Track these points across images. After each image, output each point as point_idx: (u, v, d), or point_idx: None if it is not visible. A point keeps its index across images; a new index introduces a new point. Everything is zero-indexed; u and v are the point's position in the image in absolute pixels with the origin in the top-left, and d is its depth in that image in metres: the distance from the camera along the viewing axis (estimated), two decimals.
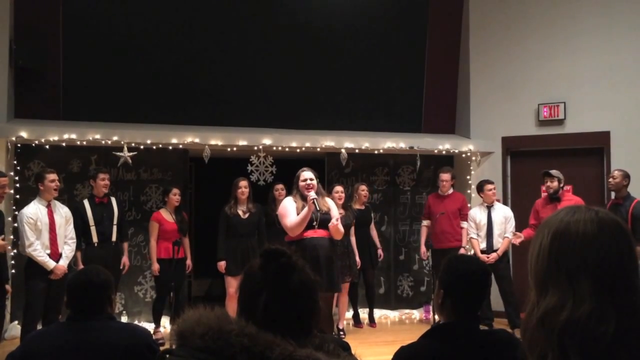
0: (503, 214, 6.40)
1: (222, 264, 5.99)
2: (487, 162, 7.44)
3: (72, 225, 5.45)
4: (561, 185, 5.98)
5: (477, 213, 6.53)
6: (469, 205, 7.10)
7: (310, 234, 4.58)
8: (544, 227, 1.10)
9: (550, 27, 7.11)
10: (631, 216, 5.48)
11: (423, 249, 6.75)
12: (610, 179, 5.81)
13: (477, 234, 6.49)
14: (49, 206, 5.26)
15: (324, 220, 4.63)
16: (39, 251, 5.07)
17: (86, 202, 5.75)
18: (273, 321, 1.20)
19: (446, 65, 7.83)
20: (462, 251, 6.45)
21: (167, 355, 1.22)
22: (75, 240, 5.45)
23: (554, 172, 5.99)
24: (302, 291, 1.27)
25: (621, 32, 6.76)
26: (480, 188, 6.51)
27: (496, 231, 6.36)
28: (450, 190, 6.69)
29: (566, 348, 1.00)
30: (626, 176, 5.72)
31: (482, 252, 6.34)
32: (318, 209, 4.51)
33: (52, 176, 5.26)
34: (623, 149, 6.64)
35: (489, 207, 6.45)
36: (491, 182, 6.50)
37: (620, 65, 6.73)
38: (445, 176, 6.63)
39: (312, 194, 4.55)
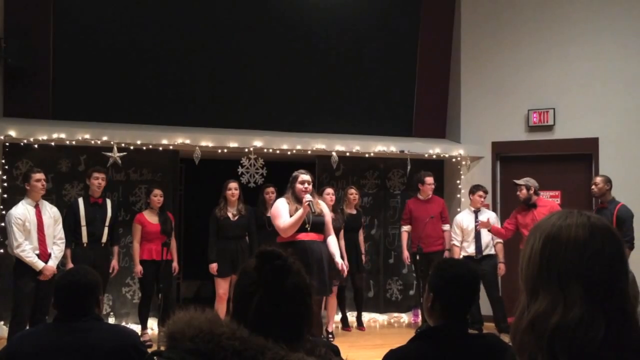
0: (489, 219, 6.41)
1: (213, 267, 5.95)
2: (477, 167, 7.48)
3: (60, 225, 5.39)
4: (531, 192, 6.06)
5: (464, 218, 6.57)
6: (458, 209, 7.14)
7: (302, 236, 4.56)
8: (536, 230, 1.11)
9: (541, 33, 7.16)
10: (616, 219, 5.55)
11: (406, 253, 6.70)
12: (593, 186, 5.88)
13: (460, 240, 6.55)
14: (37, 206, 5.21)
15: (316, 222, 4.62)
16: (27, 252, 5.02)
17: (80, 201, 5.69)
18: (265, 323, 1.20)
19: (437, 70, 7.86)
20: (446, 254, 6.51)
21: (155, 358, 1.21)
22: (64, 241, 5.40)
23: (520, 180, 6.11)
24: (296, 294, 1.26)
25: (611, 39, 6.82)
26: (472, 191, 6.57)
27: (484, 235, 6.40)
28: (430, 194, 6.73)
29: (555, 353, 1.00)
30: (608, 181, 5.82)
31: (470, 257, 6.37)
32: (313, 211, 4.51)
33: (38, 175, 5.20)
34: (611, 155, 6.70)
35: (476, 212, 6.51)
36: (484, 190, 6.57)
37: (609, 72, 6.79)
38: (432, 179, 6.69)
39: (307, 197, 4.55)
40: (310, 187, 4.71)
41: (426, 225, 6.50)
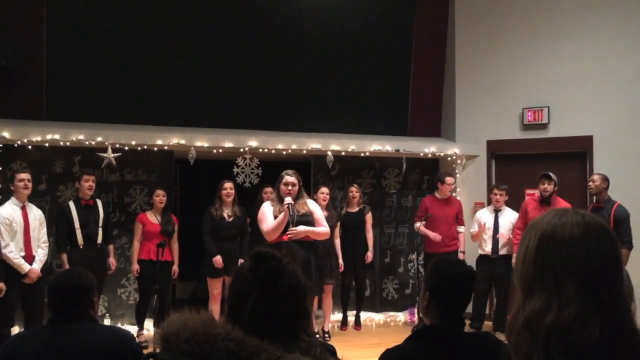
0: (510, 220, 6.34)
1: (218, 259, 5.83)
2: (472, 165, 7.49)
3: (45, 229, 5.35)
4: (555, 188, 6.00)
5: (484, 215, 6.51)
6: None
7: (286, 237, 4.55)
8: (531, 229, 1.11)
9: (535, 31, 7.18)
10: (613, 219, 5.53)
11: (432, 234, 6.44)
12: (590, 183, 5.85)
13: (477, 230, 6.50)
14: (23, 207, 5.17)
15: (301, 223, 4.60)
16: (15, 253, 4.97)
17: (72, 205, 5.65)
18: (260, 324, 1.19)
19: (432, 69, 7.87)
20: (460, 256, 6.38)
21: (151, 359, 1.20)
22: (48, 244, 5.36)
23: (552, 174, 6.00)
24: (291, 295, 1.26)
25: (605, 37, 6.84)
26: (490, 190, 6.50)
27: (502, 235, 6.29)
28: (448, 194, 6.70)
29: (551, 351, 1.00)
30: (605, 179, 5.78)
31: (486, 255, 6.32)
32: (291, 213, 4.49)
33: (21, 175, 5.17)
34: (605, 153, 6.72)
35: (497, 211, 6.43)
36: (498, 188, 6.43)
37: (603, 70, 6.81)
38: (452, 179, 6.66)
39: (287, 199, 4.53)
40: (296, 188, 4.67)
41: (437, 225, 6.42)
